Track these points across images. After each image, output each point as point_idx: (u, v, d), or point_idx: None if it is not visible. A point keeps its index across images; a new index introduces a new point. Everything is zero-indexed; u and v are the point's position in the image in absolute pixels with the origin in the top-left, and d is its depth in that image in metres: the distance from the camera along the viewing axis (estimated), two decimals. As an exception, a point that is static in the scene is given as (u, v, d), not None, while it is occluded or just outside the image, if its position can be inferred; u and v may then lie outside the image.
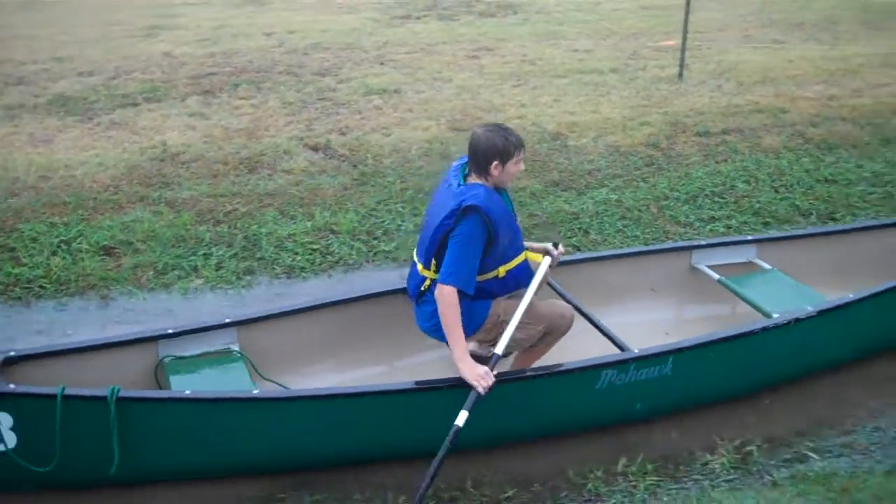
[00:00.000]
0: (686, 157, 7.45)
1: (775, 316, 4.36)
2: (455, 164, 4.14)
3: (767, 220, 6.56)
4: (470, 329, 4.04)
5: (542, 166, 7.19)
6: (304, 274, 5.69)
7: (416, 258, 4.21)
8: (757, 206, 6.74)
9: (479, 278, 3.99)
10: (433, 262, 4.03)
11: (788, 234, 5.48)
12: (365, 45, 10.65)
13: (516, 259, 4.11)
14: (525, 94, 8.78)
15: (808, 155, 7.50)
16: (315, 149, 7.36)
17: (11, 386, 3.65)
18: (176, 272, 5.58)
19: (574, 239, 6.27)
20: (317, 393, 3.87)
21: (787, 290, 4.79)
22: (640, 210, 6.69)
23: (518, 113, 8.18)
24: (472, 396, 3.71)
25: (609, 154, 7.48)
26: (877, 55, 9.90)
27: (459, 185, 3.97)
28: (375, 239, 6.14)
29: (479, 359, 4.01)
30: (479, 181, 3.96)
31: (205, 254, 5.78)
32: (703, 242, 5.30)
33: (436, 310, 3.94)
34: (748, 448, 4.11)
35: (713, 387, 4.38)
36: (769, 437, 4.22)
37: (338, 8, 13.24)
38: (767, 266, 5.12)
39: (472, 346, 4.17)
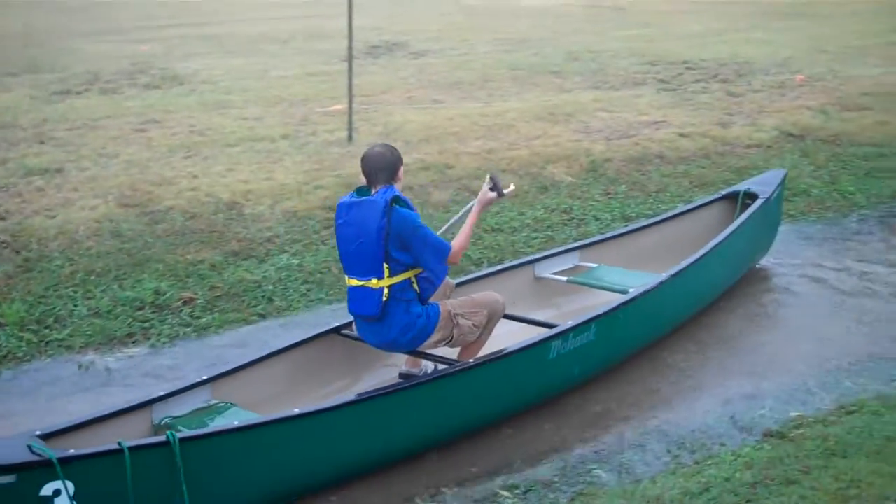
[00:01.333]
0: (362, 216, 7.63)
1: (631, 290, 5.41)
2: (346, 199, 4.55)
3: (444, 271, 6.84)
4: (429, 329, 4.53)
5: (219, 237, 7.09)
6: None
7: (359, 282, 4.48)
8: (432, 258, 7.02)
9: (412, 275, 4.47)
10: (386, 267, 4.38)
11: (598, 238, 6.65)
12: (22, 123, 10.02)
13: None
14: (197, 164, 8.63)
15: (475, 207, 7.94)
16: (-30, 238, 6.80)
17: (72, 451, 3.51)
18: None
19: (259, 307, 6.22)
20: (350, 399, 4.25)
21: (624, 275, 5.93)
22: (322, 272, 6.77)
23: (191, 184, 8.01)
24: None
25: (287, 219, 7.51)
26: (528, 109, 10.71)
27: (370, 196, 4.44)
28: (47, 328, 5.77)
29: (410, 376, 4.73)
30: (387, 187, 4.45)
31: None
32: (538, 256, 6.24)
33: (416, 319, 4.47)
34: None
35: (624, 344, 5.48)
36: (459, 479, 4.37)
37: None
38: (593, 265, 6.18)
39: (404, 368, 4.91)
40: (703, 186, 8.60)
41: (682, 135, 9.60)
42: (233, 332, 6.00)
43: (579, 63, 13.38)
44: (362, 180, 4.57)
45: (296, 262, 6.88)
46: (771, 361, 5.63)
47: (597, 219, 7.77)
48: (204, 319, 6.08)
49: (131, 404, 4.15)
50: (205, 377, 4.45)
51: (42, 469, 3.40)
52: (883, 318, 6.20)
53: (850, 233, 7.84)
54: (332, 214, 7.47)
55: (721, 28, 16.78)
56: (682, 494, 3.99)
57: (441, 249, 4.47)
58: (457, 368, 4.56)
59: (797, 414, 4.95)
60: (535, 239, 7.47)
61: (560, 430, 4.84)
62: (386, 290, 4.42)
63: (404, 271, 4.45)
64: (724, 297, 6.45)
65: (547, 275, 6.10)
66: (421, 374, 4.79)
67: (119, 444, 3.55)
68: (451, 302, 4.74)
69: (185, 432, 3.79)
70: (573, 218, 7.86)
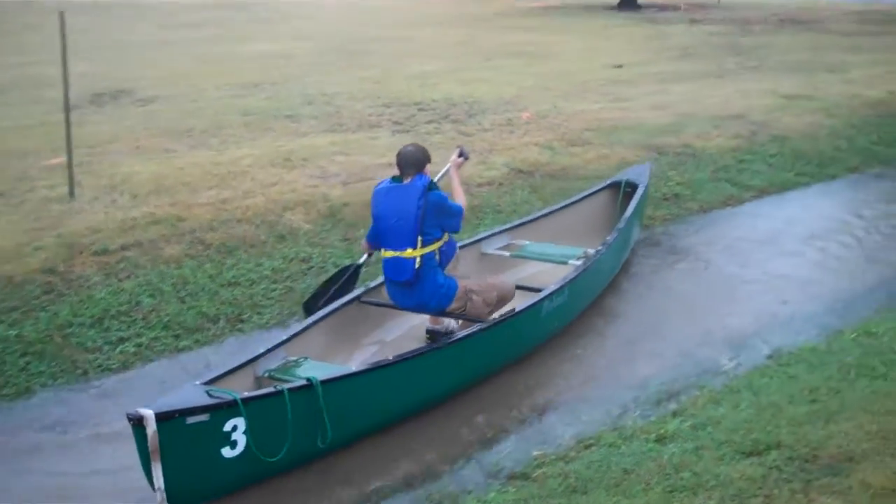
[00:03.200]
0: (87, 278, 7.14)
1: (572, 261, 7.00)
2: (383, 185, 5.89)
3: (178, 332, 6.52)
4: (448, 298, 5.80)
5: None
6: None
7: (395, 252, 5.70)
8: (166, 319, 6.69)
9: (437, 246, 5.74)
10: (420, 239, 5.62)
11: (512, 224, 7.97)
12: None
13: None
14: None
15: (210, 260, 7.62)
16: None
17: (245, 393, 4.60)
18: None
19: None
20: (429, 348, 5.64)
21: (554, 248, 7.48)
22: (43, 342, 6.26)
23: None
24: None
25: (2, 287, 6.89)
26: (263, 155, 10.45)
27: (406, 182, 5.73)
28: None
29: (435, 332, 6.18)
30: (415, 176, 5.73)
31: None
32: (483, 235, 7.65)
33: (440, 285, 5.74)
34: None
35: (582, 302, 6.94)
36: None
37: None
38: (525, 242, 7.62)
39: (429, 325, 6.28)
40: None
41: (417, 176, 9.70)
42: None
43: (314, 106, 13.28)
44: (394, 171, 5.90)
45: (13, 332, 6.34)
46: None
47: (336, 266, 7.67)
48: None
49: (241, 362, 5.26)
50: (282, 338, 5.62)
51: (227, 409, 4.46)
52: (607, 350, 6.50)
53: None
54: (54, 278, 7.14)
55: (451, 68, 17.23)
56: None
57: (460, 211, 5.92)
58: (489, 324, 5.84)
59: (539, 452, 5.03)
60: (274, 290, 7.27)
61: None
62: (418, 259, 5.65)
63: (432, 243, 5.71)
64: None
65: (492, 251, 7.50)
66: (444, 330, 6.19)
67: (278, 388, 4.71)
68: (469, 281, 6.01)
69: (324, 376, 4.92)
70: (312, 266, 7.71)
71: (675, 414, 5.47)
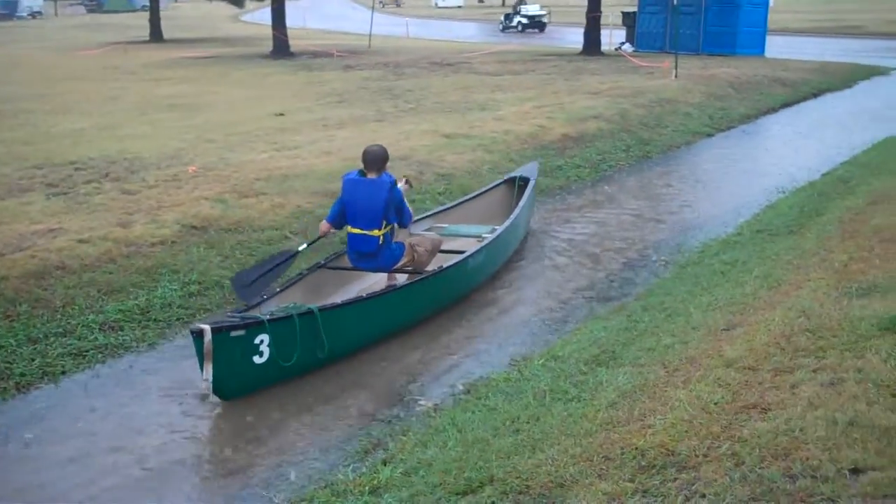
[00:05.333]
0: None
1: (484, 234, 9.13)
2: (352, 176, 7.77)
3: None
4: (399, 255, 7.92)
5: None
6: None
7: (362, 230, 7.61)
8: None
9: (391, 227, 7.80)
10: (384, 222, 7.57)
11: (439, 209, 10.19)
12: None
13: None
14: None
15: None
16: None
17: (268, 315, 6.48)
18: None
19: None
20: (389, 289, 7.63)
21: (469, 227, 9.69)
22: None
23: None
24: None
25: None
26: None
27: (373, 177, 7.64)
28: None
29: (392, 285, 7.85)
30: (380, 173, 7.66)
31: None
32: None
33: (394, 251, 7.85)
34: None
35: (494, 263, 8.99)
36: None
37: None
38: (445, 225, 9.72)
39: (387, 282, 8.11)
40: (113, 293, 8.13)
41: (81, 241, 8.96)
42: None
43: (-49, 175, 12.00)
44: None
45: None
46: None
47: (1, 346, 6.90)
48: None
49: (248, 307, 7.01)
50: (277, 290, 7.47)
51: (258, 327, 6.24)
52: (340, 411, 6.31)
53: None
54: None
55: (104, 124, 16.36)
56: None
57: (410, 217, 8.05)
58: (426, 276, 7.80)
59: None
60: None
61: None
62: (381, 237, 7.65)
63: (389, 225, 7.68)
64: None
65: (419, 232, 8.92)
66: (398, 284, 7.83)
67: (290, 314, 6.48)
68: (410, 239, 8.23)
69: (319, 305, 6.85)
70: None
71: (385, 462, 5.38)
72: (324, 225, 7.97)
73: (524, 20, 52.21)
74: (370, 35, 38.55)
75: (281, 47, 32.22)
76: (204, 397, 6.31)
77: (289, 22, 34.89)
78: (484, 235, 9.03)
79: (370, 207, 7.53)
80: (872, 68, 27.94)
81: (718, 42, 30.97)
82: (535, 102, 18.62)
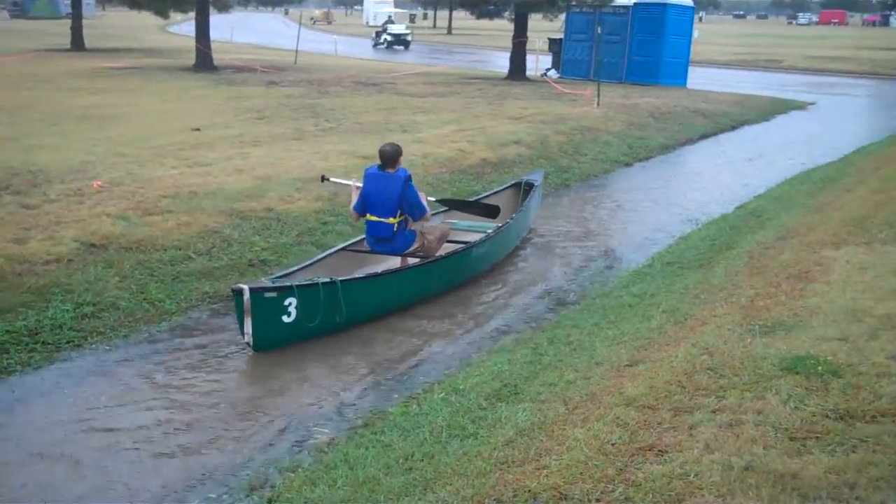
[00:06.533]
0: None
1: (489, 230, 10.28)
2: (373, 170, 8.90)
3: None
4: (411, 241, 9.01)
5: None
6: None
7: (380, 218, 8.76)
8: None
9: (405, 216, 8.87)
10: (398, 211, 8.72)
11: (441, 210, 10.91)
12: None
13: None
14: None
15: None
16: None
17: (297, 282, 7.66)
18: None
19: None
20: (403, 268, 8.98)
21: (478, 223, 10.80)
22: None
23: None
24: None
25: None
26: None
27: (390, 171, 8.77)
28: None
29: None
30: (396, 168, 8.80)
31: None
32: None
33: (407, 238, 8.97)
34: None
35: (498, 252, 10.33)
36: None
37: None
38: (455, 220, 10.76)
39: (400, 264, 9.13)
40: (0, 314, 7.74)
41: (-30, 257, 8.55)
42: None
43: None
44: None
45: None
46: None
47: None
48: None
49: (279, 275, 8.26)
50: (304, 265, 8.61)
51: (287, 291, 7.46)
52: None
53: (164, 348, 7.66)
54: None
55: (12, 134, 15.78)
56: None
57: (425, 211, 8.98)
58: (433, 259, 9.07)
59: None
60: None
61: None
62: (396, 224, 8.75)
63: (402, 214, 8.76)
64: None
65: (437, 223, 10.03)
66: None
67: (316, 282, 7.69)
68: (422, 227, 9.14)
69: (342, 277, 8.01)
70: None
71: (270, 501, 5.14)
72: (353, 212, 9.14)
73: (389, 37, 59.87)
74: (296, 51, 38.23)
75: (204, 60, 31.68)
76: (244, 348, 7.51)
77: (215, 35, 34.39)
78: (488, 231, 10.17)
79: (387, 198, 8.67)
80: (790, 102, 28.57)
81: (642, 72, 31.42)
82: (456, 126, 18.52)
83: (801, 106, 28.14)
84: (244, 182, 12.27)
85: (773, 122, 24.84)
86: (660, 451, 4.69)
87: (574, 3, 31.63)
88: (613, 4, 31.10)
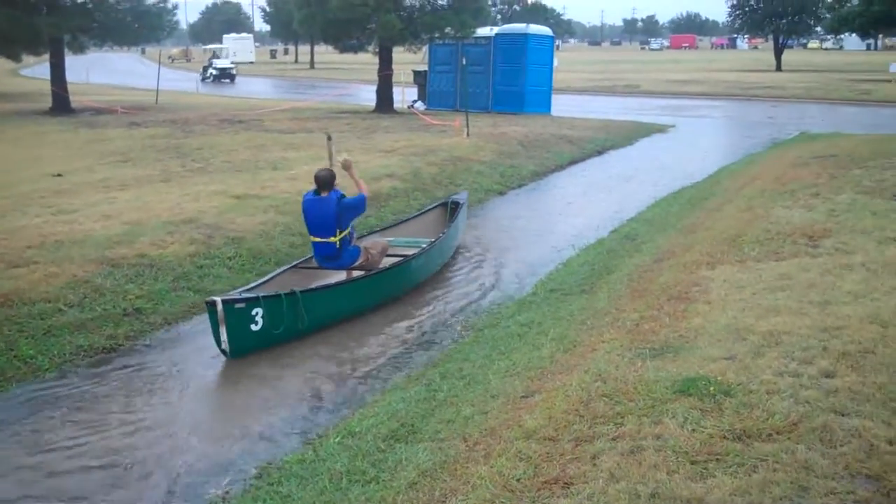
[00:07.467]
0: None
1: (422, 245, 11.34)
2: (309, 195, 9.71)
3: None
4: (356, 257, 10.01)
5: None
6: None
7: (322, 238, 9.66)
8: None
9: (346, 233, 9.88)
10: (337, 230, 9.60)
11: (385, 226, 12.70)
12: None
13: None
14: None
15: None
16: None
17: (262, 293, 8.49)
18: None
19: None
20: (355, 278, 9.98)
21: (412, 239, 11.98)
22: None
23: None
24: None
25: None
26: None
27: (324, 195, 9.56)
28: None
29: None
30: (329, 192, 9.58)
31: None
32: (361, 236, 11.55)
33: (352, 253, 9.94)
34: None
35: (433, 265, 11.35)
36: None
37: None
38: (390, 238, 11.52)
39: (346, 277, 10.23)
40: None
41: None
42: None
43: None
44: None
45: None
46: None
47: None
48: None
49: (242, 289, 9.02)
50: (261, 282, 9.34)
51: (254, 302, 8.31)
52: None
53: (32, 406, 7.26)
54: None
55: None
56: None
57: (362, 200, 9.91)
58: (377, 271, 10.05)
59: None
60: None
61: None
62: (338, 242, 9.64)
63: (344, 230, 9.69)
64: None
65: (378, 239, 11.15)
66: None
67: (279, 294, 8.59)
68: (364, 243, 10.32)
69: (300, 288, 8.94)
70: None
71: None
72: (364, 188, 10.14)
73: (215, 71, 62.65)
74: (157, 91, 37.38)
75: (61, 103, 30.65)
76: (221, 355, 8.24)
77: (71, 77, 33.31)
78: (422, 245, 11.23)
79: (325, 220, 9.52)
80: (651, 126, 29.48)
81: (507, 101, 31.90)
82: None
83: (661, 129, 29.08)
84: (113, 228, 11.83)
85: (636, 146, 25.55)
86: (565, 483, 4.68)
87: (437, 35, 31.96)
88: (475, 35, 31.51)
